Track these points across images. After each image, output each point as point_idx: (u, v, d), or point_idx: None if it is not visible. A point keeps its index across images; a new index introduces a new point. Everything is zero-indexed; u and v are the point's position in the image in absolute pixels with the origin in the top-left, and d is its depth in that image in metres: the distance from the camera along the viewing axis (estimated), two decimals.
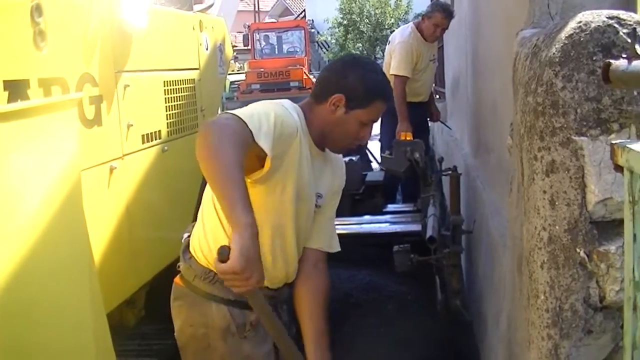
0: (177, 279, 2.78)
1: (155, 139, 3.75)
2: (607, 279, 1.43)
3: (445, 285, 4.76)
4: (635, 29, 1.44)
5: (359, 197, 5.81)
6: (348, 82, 2.63)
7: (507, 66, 2.87)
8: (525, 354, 1.71)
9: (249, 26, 24.14)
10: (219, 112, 5.21)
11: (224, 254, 2.04)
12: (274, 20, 38.14)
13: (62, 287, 2.17)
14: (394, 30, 7.87)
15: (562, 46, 1.39)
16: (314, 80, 19.77)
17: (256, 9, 34.77)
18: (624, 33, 1.44)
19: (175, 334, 2.78)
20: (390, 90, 2.90)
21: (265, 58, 23.35)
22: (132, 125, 3.42)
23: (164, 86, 3.91)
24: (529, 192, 1.56)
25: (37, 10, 2.53)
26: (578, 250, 1.44)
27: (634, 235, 1.16)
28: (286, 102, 2.63)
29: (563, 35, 1.39)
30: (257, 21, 29.85)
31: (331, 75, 2.72)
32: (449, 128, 7.88)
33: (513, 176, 2.29)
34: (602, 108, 1.43)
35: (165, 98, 3.92)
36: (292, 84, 20.98)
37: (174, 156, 4.00)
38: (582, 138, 1.43)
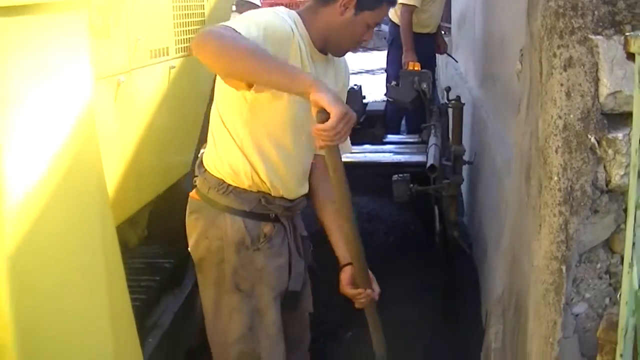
0: (192, 193, 2.84)
1: (164, 55, 3.70)
2: (614, 164, 1.62)
3: (443, 216, 4.79)
4: None
5: (359, 126, 5.75)
6: None
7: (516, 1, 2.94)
8: (533, 244, 1.85)
9: None
10: None
11: (321, 114, 2.16)
12: None
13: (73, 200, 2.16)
14: None
15: None
16: None
17: None
18: None
19: (189, 248, 2.84)
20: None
21: None
22: (140, 39, 3.36)
23: (173, 2, 3.85)
24: (547, 87, 1.72)
25: None
26: (589, 136, 1.62)
27: None
28: (279, 9, 2.64)
29: None
30: None
31: None
32: (456, 61, 7.85)
33: (521, 98, 2.42)
34: (616, 11, 1.62)
35: (174, 14, 3.86)
36: None
37: (182, 75, 3.96)
38: (598, 37, 1.60)
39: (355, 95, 5.53)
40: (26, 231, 1.88)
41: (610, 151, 1.60)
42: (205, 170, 2.78)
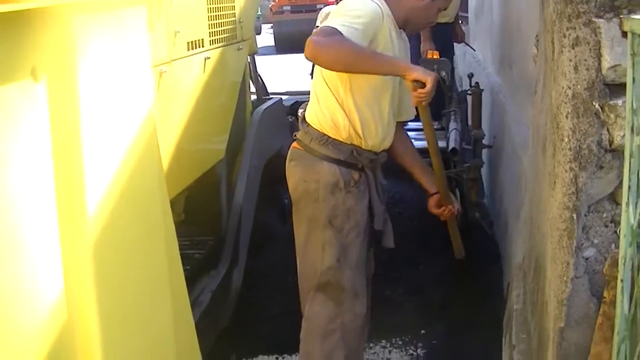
0: (294, 144, 3.41)
1: (199, 47, 3.90)
2: (615, 127, 1.85)
3: (464, 198, 4.96)
4: None
5: None
6: None
7: None
8: (549, 201, 2.16)
9: None
10: (254, 24, 5.33)
11: (418, 84, 2.95)
12: None
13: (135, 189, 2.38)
14: None
15: None
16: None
17: None
18: None
19: (290, 189, 3.40)
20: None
21: None
22: (178, 32, 3.57)
23: None
24: (558, 63, 2.01)
25: None
26: (594, 103, 1.87)
27: (633, 79, 1.65)
28: None
29: None
30: None
31: None
32: (473, 49, 7.99)
33: (537, 79, 2.74)
34: None
35: (208, 8, 4.06)
36: (318, 5, 22.18)
37: (215, 65, 4.17)
38: (600, 20, 1.85)
39: None
40: (104, 220, 2.12)
41: (612, 115, 1.85)
42: (309, 124, 3.33)
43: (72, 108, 1.94)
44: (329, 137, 3.25)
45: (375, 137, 3.28)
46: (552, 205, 2.09)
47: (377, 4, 3.16)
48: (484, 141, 4.96)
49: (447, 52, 6.57)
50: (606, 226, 1.93)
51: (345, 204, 3.24)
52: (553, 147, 2.10)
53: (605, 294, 1.88)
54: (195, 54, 3.86)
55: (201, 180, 4.13)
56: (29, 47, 1.78)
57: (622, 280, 1.69)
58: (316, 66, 3.29)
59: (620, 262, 1.70)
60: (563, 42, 1.94)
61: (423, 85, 2.93)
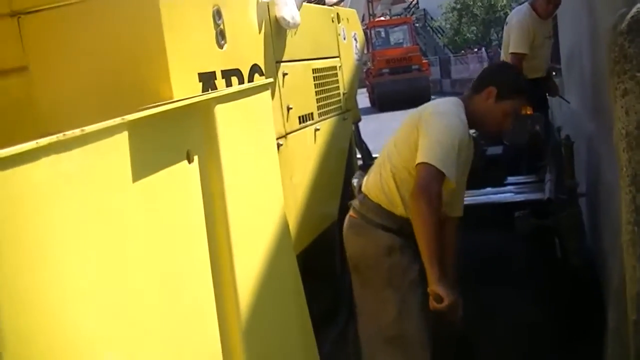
0: (351, 213, 3.64)
1: (309, 120, 4.27)
2: None
3: (564, 246, 5.18)
4: None
5: (481, 172, 6.16)
6: (501, 78, 3.50)
7: None
8: (620, 216, 2.54)
9: (366, 25, 27.50)
10: (356, 95, 5.71)
11: (437, 297, 3.17)
12: (387, 9, 38.58)
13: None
14: (507, 12, 8.21)
15: (628, 22, 2.28)
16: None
17: None
18: None
19: (348, 255, 3.62)
20: (530, 91, 3.77)
21: (378, 49, 27.52)
22: (291, 108, 3.93)
23: (313, 73, 4.42)
24: (614, 109, 2.42)
25: (217, 13, 3.08)
26: None
27: None
28: (459, 108, 3.43)
29: (629, 15, 2.27)
30: (370, 10, 32.42)
31: (488, 72, 3.66)
32: (567, 102, 8.16)
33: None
34: None
35: (315, 84, 4.43)
36: (413, 67, 25.94)
37: (324, 135, 4.53)
38: None
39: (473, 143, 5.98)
40: (249, 279, 2.53)
41: None
42: (365, 196, 3.55)
43: (218, 181, 2.35)
44: (385, 209, 3.46)
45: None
46: (622, 223, 2.50)
47: (464, 124, 3.36)
48: (579, 190, 5.18)
49: (541, 107, 6.81)
50: None
51: (402, 264, 3.43)
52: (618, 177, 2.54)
53: None
54: (306, 126, 4.22)
55: (317, 241, 4.43)
56: (184, 134, 2.21)
57: None
58: (393, 147, 3.50)
59: None
60: (616, 93, 2.36)
61: (442, 299, 3.17)
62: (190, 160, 2.21)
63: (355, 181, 3.79)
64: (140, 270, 1.86)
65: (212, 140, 2.33)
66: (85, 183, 1.67)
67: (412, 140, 3.33)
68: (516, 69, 4.02)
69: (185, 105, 2.17)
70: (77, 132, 1.62)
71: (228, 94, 2.46)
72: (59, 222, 1.58)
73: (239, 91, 2.56)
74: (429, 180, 3.17)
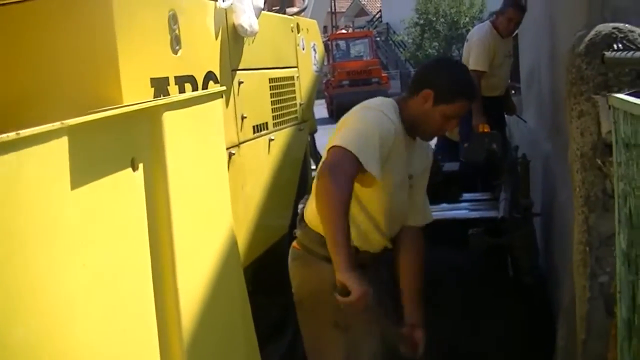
0: (294, 244, 3.33)
1: (264, 130, 4.22)
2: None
3: (516, 264, 5.17)
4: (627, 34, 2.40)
5: (437, 187, 6.13)
6: (438, 79, 3.08)
7: None
8: (572, 236, 2.61)
9: (328, 37, 28.99)
10: (313, 105, 5.67)
11: (342, 290, 2.74)
12: (350, 22, 38.84)
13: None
14: (469, 29, 8.24)
15: (586, 45, 2.36)
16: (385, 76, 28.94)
17: (332, 10, 35.47)
18: (620, 37, 2.40)
19: (293, 289, 3.33)
20: (475, 92, 3.36)
21: (337, 61, 28.49)
22: (245, 117, 3.88)
23: (270, 82, 4.38)
24: (570, 129, 2.49)
25: (173, 18, 3.02)
26: (597, 160, 2.34)
27: (616, 140, 2.04)
28: (386, 105, 3.11)
29: (587, 38, 2.35)
30: (333, 21, 32.92)
31: (424, 72, 3.23)
32: (524, 121, 8.20)
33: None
34: (608, 79, 2.38)
35: (271, 93, 4.39)
36: (373, 79, 27.15)
37: (279, 145, 4.48)
38: (597, 96, 2.33)
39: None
40: (191, 283, 2.46)
41: (612, 169, 2.18)
42: (307, 225, 3.22)
43: (163, 190, 2.28)
44: None
45: (373, 243, 3.22)
46: (573, 243, 2.55)
47: (392, 122, 3.02)
48: (534, 209, 5.17)
49: (498, 125, 6.83)
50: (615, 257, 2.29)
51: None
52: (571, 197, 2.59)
53: (616, 310, 2.21)
54: (260, 136, 4.17)
55: (268, 253, 4.37)
56: (129, 141, 2.13)
57: (619, 292, 2.04)
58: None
59: (617, 278, 2.06)
60: (572, 114, 2.44)
61: (348, 293, 2.74)
62: (134, 168, 2.14)
63: (300, 207, 3.41)
64: (74, 282, 1.78)
65: (158, 148, 2.26)
66: (20, 189, 1.60)
67: None
68: (455, 64, 3.61)
69: (131, 111, 2.10)
70: (12, 135, 1.55)
71: (178, 100, 2.39)
72: None
73: (189, 98, 2.49)
74: (340, 159, 2.83)
